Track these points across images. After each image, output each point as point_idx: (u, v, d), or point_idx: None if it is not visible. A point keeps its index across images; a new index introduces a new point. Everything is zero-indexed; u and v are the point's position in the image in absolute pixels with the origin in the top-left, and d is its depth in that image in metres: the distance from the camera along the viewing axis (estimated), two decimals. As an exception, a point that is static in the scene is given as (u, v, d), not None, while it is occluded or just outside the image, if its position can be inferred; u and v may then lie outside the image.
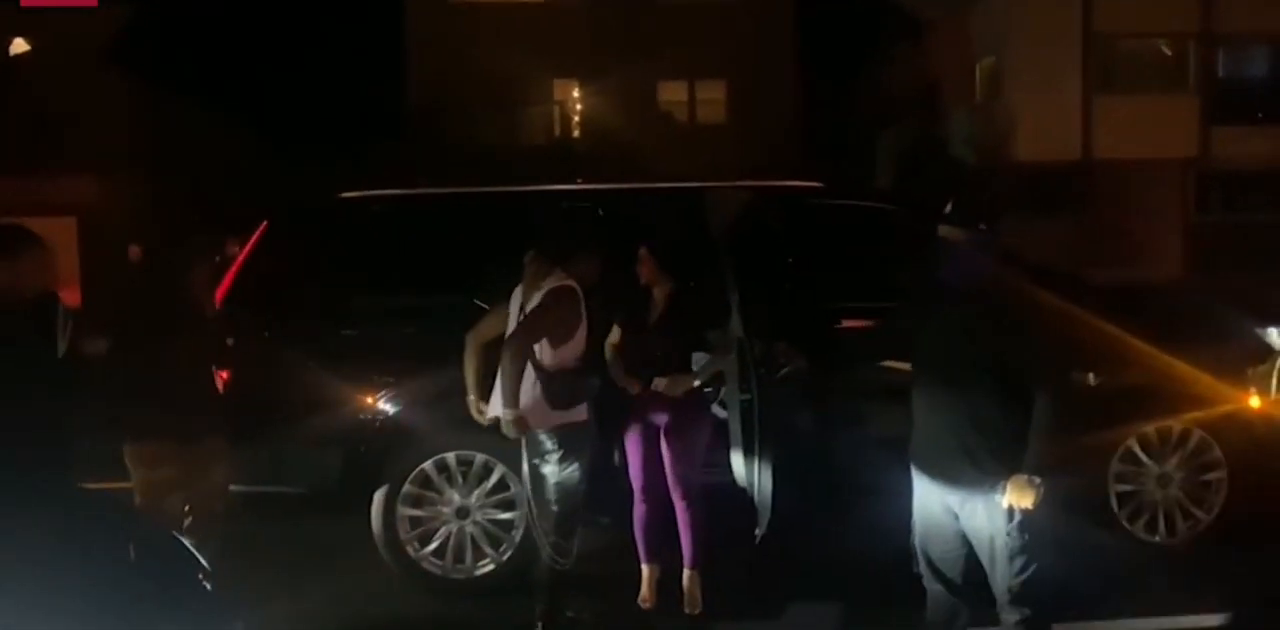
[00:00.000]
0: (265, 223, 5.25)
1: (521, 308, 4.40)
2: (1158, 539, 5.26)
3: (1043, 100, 20.40)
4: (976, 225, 3.57)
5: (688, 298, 4.67)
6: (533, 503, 4.44)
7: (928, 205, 4.48)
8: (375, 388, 4.97)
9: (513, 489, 4.94)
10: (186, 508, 4.20)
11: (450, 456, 4.99)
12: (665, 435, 4.66)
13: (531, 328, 4.29)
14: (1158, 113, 20.26)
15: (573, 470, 4.34)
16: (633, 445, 4.75)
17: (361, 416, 4.97)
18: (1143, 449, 5.24)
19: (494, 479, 4.99)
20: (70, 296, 8.85)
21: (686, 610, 4.70)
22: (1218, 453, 5.25)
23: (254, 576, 4.43)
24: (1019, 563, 3.53)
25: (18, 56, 19.32)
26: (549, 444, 4.33)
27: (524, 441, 4.39)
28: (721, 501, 4.64)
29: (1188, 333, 5.21)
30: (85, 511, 3.20)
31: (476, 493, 5.00)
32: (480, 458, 4.99)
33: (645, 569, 4.81)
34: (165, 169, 19.76)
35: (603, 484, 4.63)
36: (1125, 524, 5.24)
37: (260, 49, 20.19)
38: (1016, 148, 20.65)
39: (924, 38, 24.03)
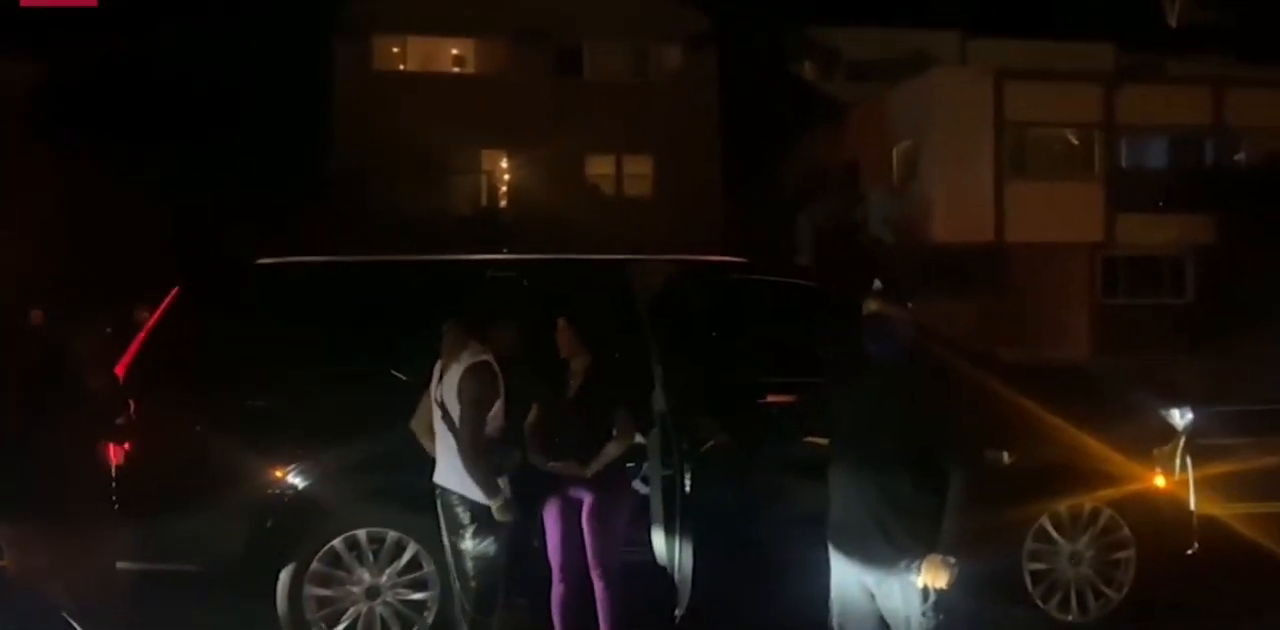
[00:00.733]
0: (176, 288, 5.13)
1: (440, 378, 4.33)
2: (1070, 618, 5.28)
3: (957, 184, 21.19)
4: (903, 302, 3.63)
5: (607, 370, 4.64)
6: (453, 579, 4.33)
7: (848, 282, 4.55)
8: (285, 460, 4.82)
9: (425, 568, 4.80)
10: (70, 591, 3.96)
11: (361, 533, 4.84)
12: (586, 513, 4.59)
13: (474, 418, 4.22)
14: (1066, 198, 21.17)
15: (488, 544, 4.26)
16: (552, 522, 4.66)
17: (269, 490, 4.81)
18: (1055, 527, 5.30)
19: (406, 557, 4.85)
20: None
21: (604, 693, 4.57)
22: (1126, 531, 5.34)
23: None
24: (936, 643, 3.50)
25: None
26: (465, 518, 4.24)
27: (440, 517, 4.31)
28: (642, 580, 4.56)
29: (1097, 411, 5.32)
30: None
31: (388, 572, 4.84)
32: (393, 535, 4.85)
33: (562, 650, 4.68)
34: (79, 232, 19.27)
35: (522, 563, 4.52)
36: (1039, 603, 5.26)
37: (184, 111, 19.97)
38: (932, 229, 21.29)
39: (844, 120, 24.87)
